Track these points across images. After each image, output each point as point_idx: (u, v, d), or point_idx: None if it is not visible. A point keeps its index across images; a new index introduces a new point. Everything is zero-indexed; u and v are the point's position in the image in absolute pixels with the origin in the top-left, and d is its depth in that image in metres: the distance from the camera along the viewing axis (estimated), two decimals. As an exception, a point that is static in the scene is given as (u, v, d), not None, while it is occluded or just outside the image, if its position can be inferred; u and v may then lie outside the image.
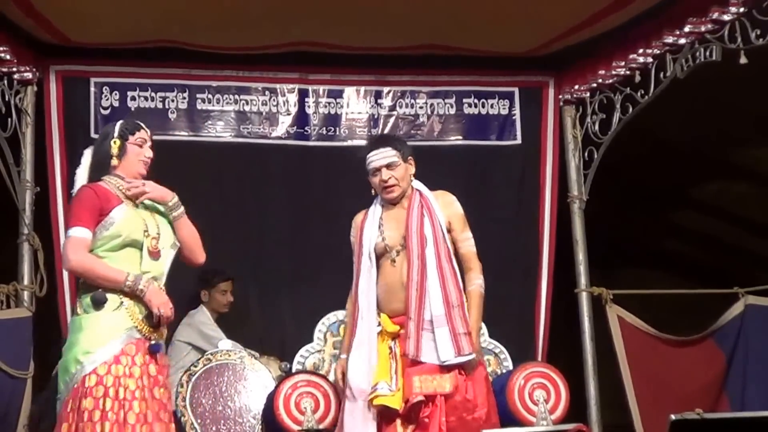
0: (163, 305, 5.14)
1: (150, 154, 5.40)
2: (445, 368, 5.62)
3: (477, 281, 5.87)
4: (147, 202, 5.33)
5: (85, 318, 5.09)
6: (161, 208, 5.38)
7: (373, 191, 6.09)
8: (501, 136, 8.40)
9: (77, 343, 5.05)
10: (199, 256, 5.52)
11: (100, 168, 5.31)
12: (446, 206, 5.93)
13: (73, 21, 7.37)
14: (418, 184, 5.98)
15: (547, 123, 8.38)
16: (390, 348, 5.75)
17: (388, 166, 5.86)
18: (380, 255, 5.88)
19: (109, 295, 5.08)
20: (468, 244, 5.94)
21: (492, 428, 5.67)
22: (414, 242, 5.75)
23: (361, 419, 5.76)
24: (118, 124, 5.39)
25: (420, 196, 5.91)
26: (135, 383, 5.01)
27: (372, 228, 5.92)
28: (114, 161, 5.28)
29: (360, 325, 5.85)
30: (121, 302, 5.09)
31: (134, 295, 5.10)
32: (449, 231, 5.88)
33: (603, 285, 7.94)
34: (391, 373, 5.67)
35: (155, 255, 5.22)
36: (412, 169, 5.96)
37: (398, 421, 5.63)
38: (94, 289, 5.10)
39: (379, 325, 5.84)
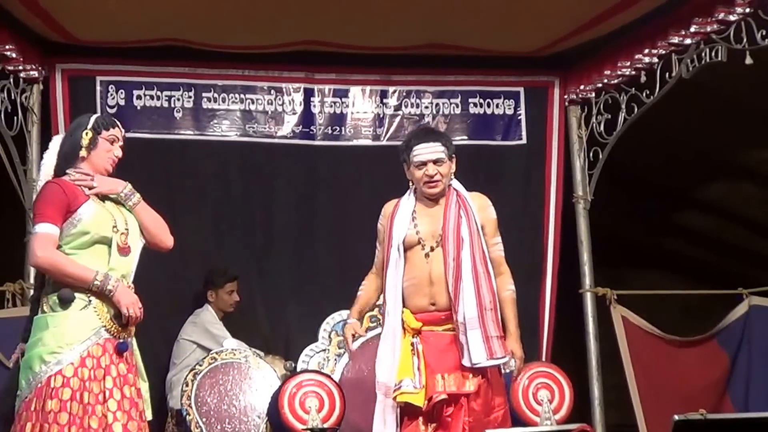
0: (132, 305, 5.01)
1: (119, 153, 5.24)
2: (469, 369, 5.60)
3: (510, 287, 5.85)
4: (113, 197, 5.24)
5: (51, 317, 4.99)
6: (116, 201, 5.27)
7: (410, 183, 5.91)
8: (506, 136, 8.41)
9: (42, 342, 4.94)
10: (167, 240, 5.31)
11: (68, 158, 5.18)
12: (482, 209, 5.83)
13: (80, 19, 7.39)
14: (455, 183, 5.88)
15: (553, 123, 8.40)
16: (412, 344, 5.68)
17: (436, 162, 5.74)
18: (409, 248, 5.77)
19: (76, 294, 4.98)
20: (498, 248, 5.86)
21: (504, 426, 5.67)
22: (450, 243, 5.68)
23: (381, 413, 5.74)
24: (94, 116, 5.26)
25: (457, 196, 5.82)
26: (99, 386, 4.92)
27: (404, 219, 5.80)
28: (83, 152, 5.15)
29: (387, 320, 5.79)
30: (89, 301, 4.98)
31: (102, 294, 4.98)
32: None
33: (607, 285, 7.95)
34: (414, 370, 5.61)
35: (125, 251, 5.10)
36: (453, 168, 5.86)
37: (420, 419, 5.59)
38: (61, 287, 5.00)
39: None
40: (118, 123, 5.31)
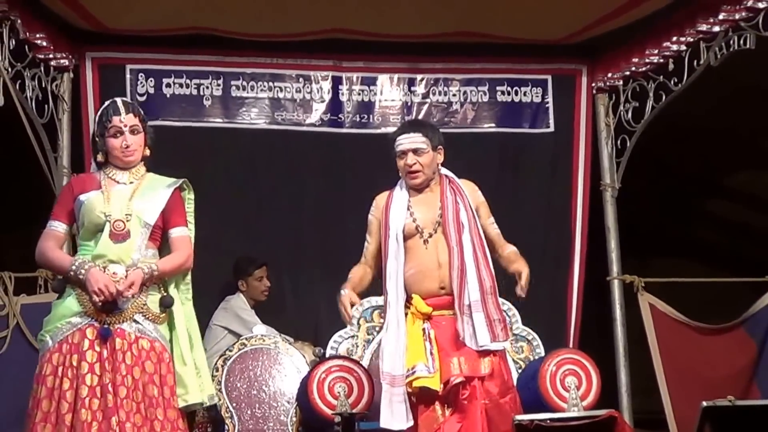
0: (101, 290, 4.97)
1: (127, 142, 5.24)
2: (481, 352, 5.64)
3: (511, 247, 5.89)
4: (148, 178, 5.32)
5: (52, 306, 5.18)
6: (158, 184, 5.34)
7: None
8: (534, 124, 8.43)
9: None
10: (186, 269, 5.42)
11: (97, 162, 5.32)
12: (473, 194, 5.91)
13: (109, 8, 7.44)
14: (446, 171, 5.95)
15: (580, 111, 8.40)
16: (423, 330, 5.74)
17: (415, 152, 5.81)
18: (408, 237, 5.83)
19: (70, 283, 5.10)
20: (495, 227, 5.92)
21: (516, 410, 5.71)
22: (451, 228, 5.74)
23: (388, 403, 5.74)
24: (99, 115, 5.32)
25: (450, 183, 5.89)
26: (72, 372, 4.97)
27: (399, 210, 5.87)
28: (100, 157, 5.28)
29: (389, 310, 5.83)
30: (74, 289, 5.09)
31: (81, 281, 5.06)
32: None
33: (635, 273, 7.96)
34: (426, 355, 5.67)
35: (119, 237, 5.12)
36: (440, 158, 5.90)
37: (437, 404, 5.64)
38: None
39: (409, 306, 5.80)
40: (120, 109, 5.29)
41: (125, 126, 5.26)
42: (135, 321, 5.12)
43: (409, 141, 5.84)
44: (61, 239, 5.21)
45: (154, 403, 5.05)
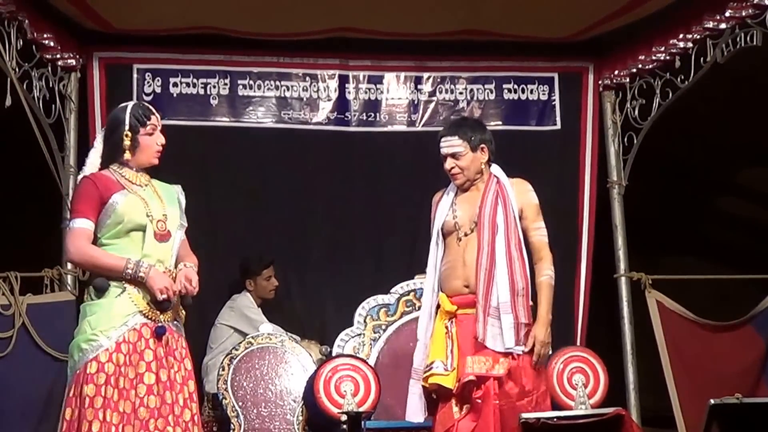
0: (166, 289, 5.04)
1: (162, 140, 5.27)
2: (501, 353, 5.64)
3: (547, 272, 5.86)
4: (156, 183, 5.31)
5: (90, 305, 5.09)
6: (170, 189, 5.36)
7: None
8: (541, 122, 8.42)
9: (81, 330, 5.04)
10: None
11: (112, 158, 5.24)
12: (521, 194, 5.90)
13: (116, 8, 7.45)
14: (496, 170, 5.95)
15: (587, 108, 8.39)
16: (446, 327, 5.78)
17: (453, 156, 5.86)
18: (447, 234, 5.89)
19: (112, 282, 5.05)
20: (539, 233, 5.91)
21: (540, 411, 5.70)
22: (486, 229, 5.75)
23: (409, 396, 5.91)
24: (128, 113, 5.21)
25: (497, 183, 5.88)
26: (134, 371, 4.98)
27: (444, 207, 5.93)
28: (126, 155, 5.21)
29: (423, 305, 5.99)
30: (124, 288, 5.05)
31: (136, 280, 5.05)
32: (521, 219, 5.86)
33: (642, 270, 7.94)
34: (446, 353, 5.71)
35: (162, 237, 5.15)
36: (485, 157, 5.90)
37: (453, 401, 5.68)
38: (97, 277, 5.09)
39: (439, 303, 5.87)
40: (153, 110, 5.31)
41: (158, 125, 5.28)
42: (175, 320, 5.20)
43: (447, 145, 5.89)
44: (92, 238, 5.12)
45: (193, 398, 5.14)
